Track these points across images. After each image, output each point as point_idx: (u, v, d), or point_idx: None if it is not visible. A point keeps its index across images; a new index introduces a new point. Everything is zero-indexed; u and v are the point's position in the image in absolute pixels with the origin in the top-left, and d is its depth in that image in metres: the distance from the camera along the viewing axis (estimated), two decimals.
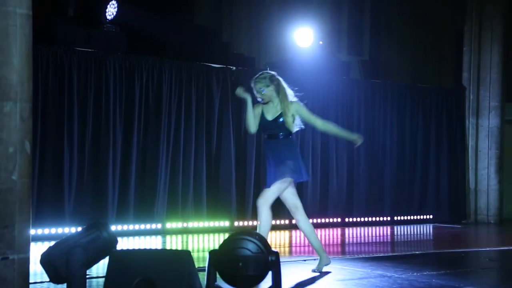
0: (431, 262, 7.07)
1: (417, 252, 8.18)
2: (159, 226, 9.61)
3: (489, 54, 12.59)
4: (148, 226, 9.52)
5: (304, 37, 11.48)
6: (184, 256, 3.80)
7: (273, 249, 4.03)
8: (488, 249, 8.51)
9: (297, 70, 11.22)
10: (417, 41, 14.26)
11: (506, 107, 12.80)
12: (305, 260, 7.04)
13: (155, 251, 3.82)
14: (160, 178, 9.58)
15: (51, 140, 8.81)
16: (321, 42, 12.06)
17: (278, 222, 10.52)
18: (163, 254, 3.77)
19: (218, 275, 4.10)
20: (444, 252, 8.17)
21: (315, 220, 11.00)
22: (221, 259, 4.00)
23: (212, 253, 4.03)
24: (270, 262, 3.98)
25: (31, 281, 4.91)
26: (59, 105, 8.87)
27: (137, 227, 9.42)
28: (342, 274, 6.14)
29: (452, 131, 12.62)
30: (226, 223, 10.15)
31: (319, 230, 10.63)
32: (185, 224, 9.82)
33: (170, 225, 9.72)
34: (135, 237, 9.10)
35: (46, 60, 8.76)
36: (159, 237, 9.23)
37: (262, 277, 4.02)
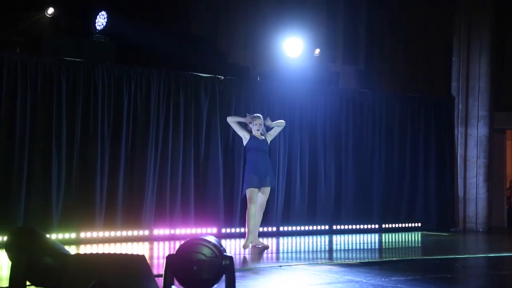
0: (404, 268, 7.20)
1: (393, 259, 8.33)
2: (146, 232, 9.79)
3: (478, 64, 12.75)
4: (135, 233, 9.69)
5: (293, 47, 11.67)
6: (139, 260, 3.97)
7: (227, 254, 4.19)
8: (466, 256, 8.65)
9: (286, 80, 11.42)
10: (409, 51, 14.44)
11: (495, 117, 12.92)
12: (280, 266, 7.21)
13: (110, 255, 3.99)
14: (148, 185, 9.76)
15: (39, 148, 8.99)
16: (318, 51, 12.25)
17: (265, 229, 10.70)
18: (118, 258, 3.94)
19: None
20: (421, 259, 8.31)
21: (302, 227, 11.18)
22: (177, 263, 4.17)
23: (168, 257, 4.20)
24: (224, 266, 4.14)
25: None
26: (48, 114, 9.06)
27: (124, 233, 9.61)
28: (312, 279, 6.31)
29: (441, 140, 12.76)
30: (213, 230, 10.31)
31: (306, 237, 10.80)
32: (172, 231, 10.00)
33: (158, 231, 9.90)
34: (122, 244, 9.29)
35: (35, 69, 8.96)
36: (147, 244, 9.41)
37: (215, 281, 4.17)
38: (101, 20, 9.84)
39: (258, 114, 9.16)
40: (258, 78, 11.68)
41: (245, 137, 8.99)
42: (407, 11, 14.29)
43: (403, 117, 12.45)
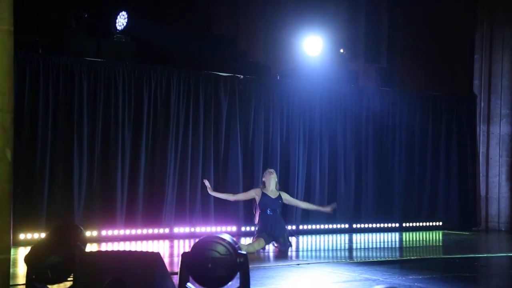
0: (422, 267, 7.18)
1: (412, 257, 8.30)
2: (167, 230, 9.87)
3: (500, 62, 12.64)
4: (156, 231, 9.78)
5: (313, 46, 11.66)
6: (154, 257, 4.03)
7: (241, 251, 4.23)
8: (486, 255, 8.58)
9: (306, 79, 11.42)
10: (430, 49, 14.33)
11: None
12: (298, 264, 7.23)
13: (125, 252, 4.05)
14: (168, 184, 9.84)
15: (61, 147, 9.12)
16: (342, 51, 12.24)
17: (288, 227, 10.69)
18: (133, 256, 4.00)
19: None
20: (440, 258, 8.27)
21: (322, 226, 11.17)
22: (192, 261, 4.22)
23: (184, 255, 4.26)
24: (238, 263, 4.18)
25: (19, 282, 5.17)
26: (69, 114, 9.18)
27: (145, 231, 9.69)
28: (328, 278, 6.32)
29: (462, 138, 12.67)
30: (233, 228, 10.35)
31: (326, 236, 10.80)
32: (192, 229, 10.06)
33: (178, 230, 9.97)
34: (143, 242, 9.37)
35: (57, 70, 9.09)
36: (167, 242, 9.49)
37: (230, 278, 4.23)
38: (121, 20, 9.91)
39: (271, 170, 8.84)
40: (278, 77, 11.69)
41: (257, 194, 8.69)
42: (429, 9, 14.18)
43: (424, 115, 12.38)
